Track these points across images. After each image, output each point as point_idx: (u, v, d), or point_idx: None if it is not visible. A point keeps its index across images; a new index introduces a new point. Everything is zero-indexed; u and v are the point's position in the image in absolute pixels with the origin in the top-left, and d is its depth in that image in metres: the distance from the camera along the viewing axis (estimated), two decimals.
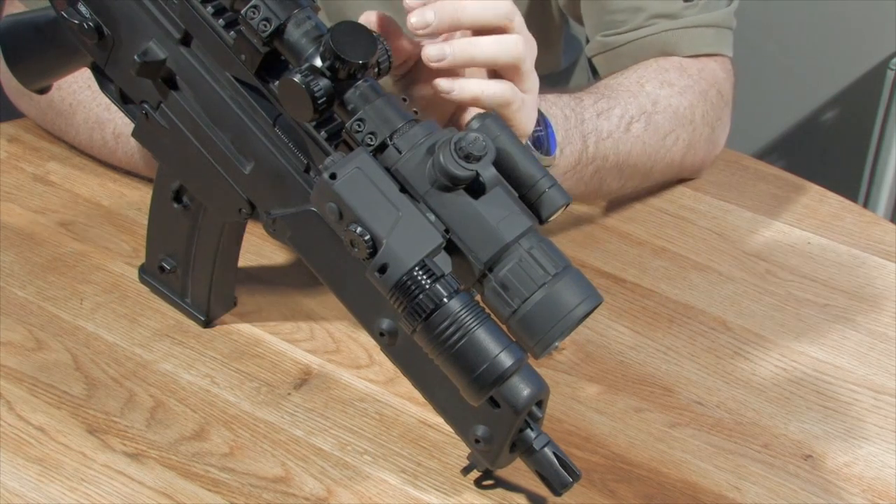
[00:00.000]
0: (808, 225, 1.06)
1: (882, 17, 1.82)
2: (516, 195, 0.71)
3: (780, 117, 2.02)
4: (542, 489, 0.78)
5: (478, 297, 0.71)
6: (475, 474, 0.81)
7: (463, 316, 0.69)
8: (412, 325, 0.69)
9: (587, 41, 1.13)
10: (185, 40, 0.81)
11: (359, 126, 0.72)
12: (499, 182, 0.70)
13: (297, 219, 0.79)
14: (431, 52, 0.77)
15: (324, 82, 0.72)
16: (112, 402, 0.86)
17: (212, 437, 0.84)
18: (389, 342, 0.77)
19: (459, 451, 0.82)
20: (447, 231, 0.70)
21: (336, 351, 0.91)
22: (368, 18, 0.79)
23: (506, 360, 0.69)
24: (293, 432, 0.84)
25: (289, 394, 0.87)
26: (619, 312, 0.96)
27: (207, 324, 0.92)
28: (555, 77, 1.34)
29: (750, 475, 0.83)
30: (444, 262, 0.69)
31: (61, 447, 0.82)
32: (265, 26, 0.74)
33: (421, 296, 0.68)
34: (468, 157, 0.68)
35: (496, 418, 0.75)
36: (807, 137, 2.02)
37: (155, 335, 0.92)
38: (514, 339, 0.70)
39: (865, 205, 1.74)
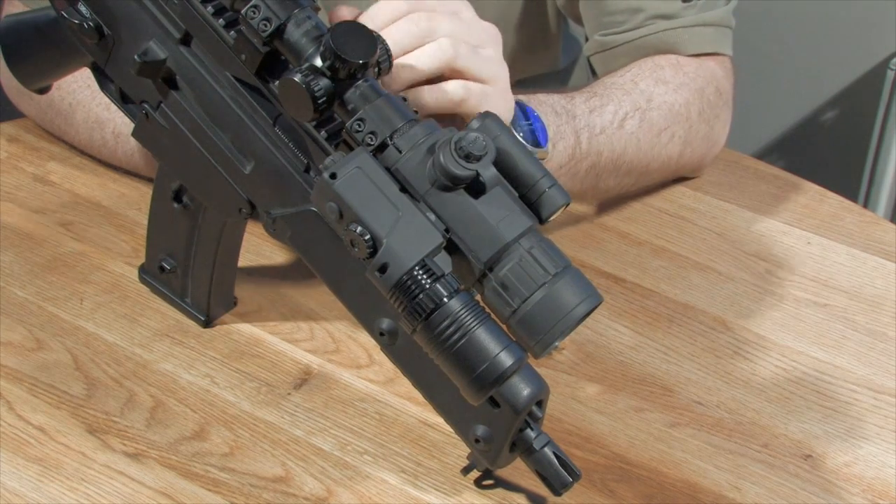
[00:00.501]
0: (808, 225, 1.06)
1: (882, 17, 1.82)
2: (516, 195, 0.71)
3: (780, 117, 2.02)
4: (542, 489, 0.78)
5: (478, 297, 0.71)
6: (475, 474, 0.81)
7: (463, 316, 0.69)
8: (412, 324, 0.69)
9: (586, 40, 1.13)
10: (186, 40, 0.81)
11: (359, 126, 0.72)
12: (499, 182, 0.70)
13: (297, 218, 0.79)
14: None
15: (324, 82, 0.72)
16: (112, 402, 0.86)
17: (212, 437, 0.84)
18: (389, 342, 0.77)
19: (459, 451, 0.82)
20: (447, 231, 0.70)
21: (336, 351, 0.91)
22: (339, 14, 0.80)
23: (506, 359, 0.69)
24: (293, 432, 0.84)
25: (289, 394, 0.87)
26: (619, 312, 0.96)
27: (207, 324, 0.92)
28: (554, 76, 1.34)
29: (750, 475, 0.83)
30: (444, 262, 0.69)
31: (61, 447, 0.82)
32: (265, 26, 0.74)
33: (421, 295, 0.68)
34: (468, 157, 0.68)
35: (496, 418, 0.75)
36: (807, 137, 2.02)
37: (155, 335, 0.92)
38: (514, 339, 0.70)
39: (865, 205, 1.74)
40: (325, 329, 0.93)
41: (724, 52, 1.09)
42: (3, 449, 0.82)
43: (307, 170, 0.79)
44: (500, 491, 0.81)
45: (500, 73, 0.85)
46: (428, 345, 0.70)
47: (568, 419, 0.86)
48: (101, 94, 0.90)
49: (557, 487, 0.77)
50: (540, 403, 0.77)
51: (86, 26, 0.84)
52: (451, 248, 0.70)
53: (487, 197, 0.70)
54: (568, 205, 0.72)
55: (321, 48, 0.72)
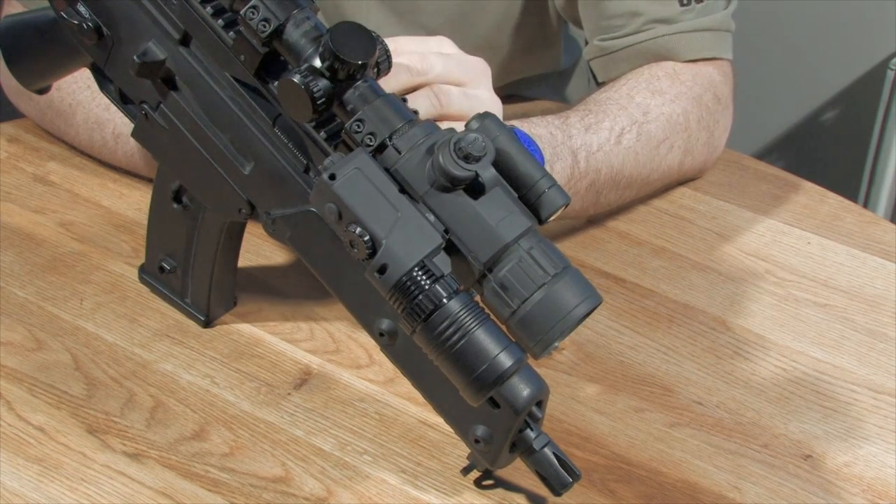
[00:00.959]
0: (808, 225, 1.06)
1: (882, 17, 1.82)
2: (516, 195, 0.71)
3: (780, 117, 2.02)
4: (542, 489, 0.78)
5: (477, 298, 0.71)
6: (475, 474, 0.81)
7: (462, 316, 0.69)
8: (412, 325, 0.69)
9: (586, 43, 1.13)
10: (185, 41, 0.81)
11: (358, 126, 0.72)
12: (498, 182, 0.70)
13: (296, 219, 0.79)
14: None
15: (323, 83, 0.72)
16: (112, 402, 0.86)
17: (212, 437, 0.84)
18: (389, 342, 0.77)
19: (459, 451, 0.82)
20: (447, 231, 0.70)
21: (336, 351, 0.91)
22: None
23: (505, 360, 0.69)
24: (293, 432, 0.84)
25: (289, 394, 0.87)
26: (619, 312, 0.96)
27: (207, 324, 0.92)
28: (555, 77, 1.34)
29: (750, 475, 0.83)
30: (443, 263, 0.69)
31: (61, 447, 0.82)
32: (264, 27, 0.74)
33: (420, 296, 0.68)
34: (467, 158, 0.68)
35: (496, 418, 0.75)
36: (807, 137, 2.02)
37: (155, 335, 0.92)
38: (513, 340, 0.70)
39: (865, 205, 1.74)
40: (325, 329, 0.93)
41: (723, 56, 1.09)
42: (3, 449, 0.82)
43: (306, 170, 0.79)
44: (500, 491, 0.81)
45: (492, 108, 0.87)
46: (427, 345, 0.70)
47: (568, 419, 0.86)
48: (101, 94, 0.90)
49: (557, 488, 0.77)
50: (540, 404, 0.77)
51: (85, 27, 0.84)
52: (451, 248, 0.70)
53: (487, 198, 0.70)
54: (567, 205, 0.72)
55: (320, 49, 0.72)
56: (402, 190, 0.70)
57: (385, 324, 0.76)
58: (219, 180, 0.83)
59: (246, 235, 0.90)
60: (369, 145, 0.71)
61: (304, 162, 0.79)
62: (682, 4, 1.05)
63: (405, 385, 0.80)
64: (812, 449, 0.85)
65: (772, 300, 0.97)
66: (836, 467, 0.84)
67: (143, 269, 0.95)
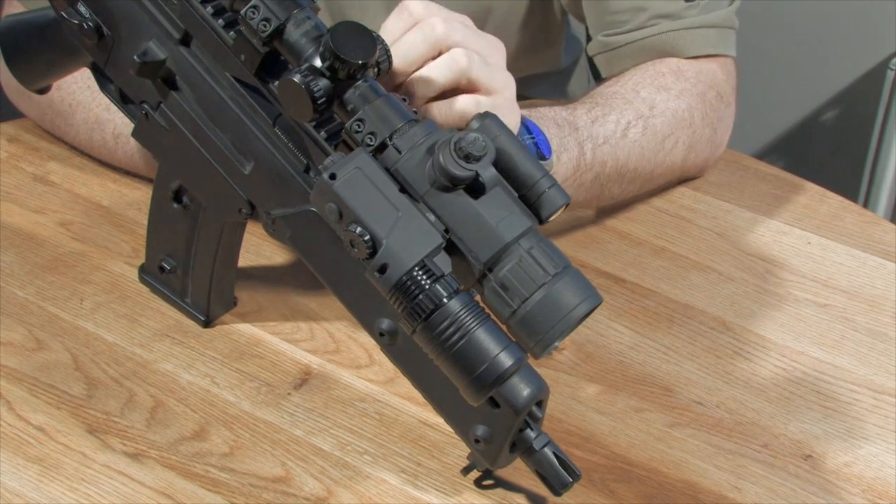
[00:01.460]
0: (808, 225, 1.06)
1: (882, 17, 1.82)
2: (516, 195, 0.71)
3: (780, 117, 2.02)
4: (542, 489, 0.78)
5: (477, 298, 0.71)
6: (475, 474, 0.81)
7: (463, 316, 0.69)
8: (412, 325, 0.69)
9: (588, 39, 1.13)
10: (185, 40, 0.81)
11: (358, 126, 0.72)
12: (498, 182, 0.70)
13: (296, 219, 0.79)
14: None
15: (323, 82, 0.72)
16: (112, 402, 0.86)
17: (212, 437, 0.84)
18: (389, 342, 0.77)
19: (459, 451, 0.82)
20: (447, 231, 0.70)
21: (336, 351, 0.91)
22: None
23: (505, 360, 0.69)
24: (293, 432, 0.84)
25: (289, 394, 0.87)
26: (619, 312, 0.96)
27: (207, 324, 0.92)
28: (556, 75, 1.34)
29: (750, 475, 0.83)
30: (443, 263, 0.69)
31: (61, 447, 0.82)
32: (265, 26, 0.74)
33: (421, 296, 0.68)
34: (468, 158, 0.68)
35: (496, 418, 0.75)
36: (807, 137, 2.02)
37: (155, 335, 0.92)
38: (513, 339, 0.70)
39: (865, 205, 1.74)
40: (325, 329, 0.93)
41: (727, 53, 1.09)
42: (3, 449, 0.82)
43: (307, 170, 0.79)
44: (500, 491, 0.81)
45: (508, 83, 0.85)
46: (427, 345, 0.70)
47: (568, 419, 0.86)
48: (101, 94, 0.90)
49: (557, 487, 0.77)
50: (540, 403, 0.77)
51: (85, 27, 0.84)
52: (451, 248, 0.70)
53: (487, 197, 0.70)
54: (568, 205, 0.72)
55: (321, 48, 0.72)
56: (403, 190, 0.70)
57: (385, 324, 0.76)
58: (219, 180, 0.83)
59: (246, 235, 0.90)
60: (370, 145, 0.71)
61: (305, 162, 0.79)
62: (686, 0, 1.05)
63: (405, 385, 0.80)
64: (812, 449, 0.85)
65: (772, 300, 0.97)
66: (836, 467, 0.84)
67: (143, 269, 0.95)
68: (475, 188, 0.70)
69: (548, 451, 0.77)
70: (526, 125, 0.91)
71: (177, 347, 0.91)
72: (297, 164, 0.79)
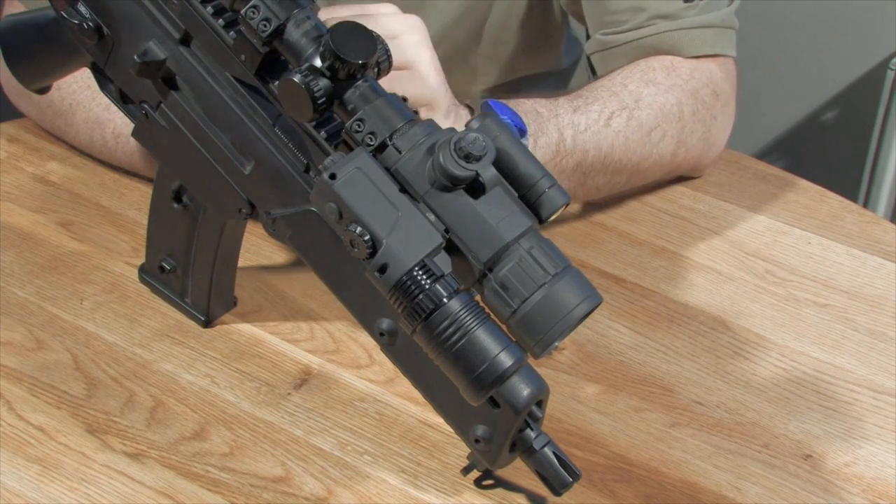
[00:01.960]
0: (808, 225, 1.06)
1: (882, 17, 1.82)
2: (516, 195, 0.71)
3: (780, 117, 2.02)
4: (542, 489, 0.78)
5: (477, 298, 0.71)
6: (475, 474, 0.81)
7: (463, 316, 0.69)
8: (412, 325, 0.69)
9: (588, 38, 1.13)
10: (185, 40, 0.81)
11: (358, 126, 0.72)
12: (498, 182, 0.70)
13: (297, 219, 0.79)
14: None
15: (323, 82, 0.72)
16: (112, 402, 0.86)
17: (212, 437, 0.84)
18: (389, 342, 0.77)
19: (459, 451, 0.82)
20: (447, 231, 0.70)
21: (336, 351, 0.91)
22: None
23: (505, 360, 0.69)
24: (293, 432, 0.84)
25: (289, 394, 0.87)
26: (619, 312, 0.96)
27: (207, 324, 0.92)
28: (556, 76, 1.34)
29: (750, 475, 0.83)
30: (443, 262, 0.69)
31: (61, 447, 0.82)
32: (265, 26, 0.74)
33: (421, 296, 0.68)
34: (468, 157, 0.68)
35: (496, 418, 0.75)
36: (807, 137, 2.02)
37: (155, 335, 0.92)
38: (513, 339, 0.70)
39: (865, 205, 1.74)
40: (325, 329, 0.93)
41: (726, 53, 1.09)
42: (3, 449, 0.82)
43: (307, 170, 0.79)
44: (500, 491, 0.81)
45: (420, 55, 0.88)
46: (428, 345, 0.70)
47: (568, 419, 0.86)
48: (101, 94, 0.90)
49: (557, 487, 0.77)
50: (540, 403, 0.77)
51: (85, 26, 0.84)
52: (451, 248, 0.70)
53: (487, 197, 0.70)
54: (567, 205, 0.72)
55: (321, 48, 0.72)
56: (403, 189, 0.70)
57: (385, 323, 0.76)
58: (219, 180, 0.83)
59: (246, 235, 0.90)
60: (370, 145, 0.71)
61: (305, 162, 0.79)
62: (685, 1, 1.05)
63: (405, 385, 0.80)
64: (812, 449, 0.85)
65: (772, 300, 0.97)
66: (836, 467, 0.84)
67: (143, 269, 0.95)
68: (475, 188, 0.70)
69: (548, 451, 0.77)
70: (490, 104, 0.91)
71: (177, 347, 0.91)
72: (297, 164, 0.79)
